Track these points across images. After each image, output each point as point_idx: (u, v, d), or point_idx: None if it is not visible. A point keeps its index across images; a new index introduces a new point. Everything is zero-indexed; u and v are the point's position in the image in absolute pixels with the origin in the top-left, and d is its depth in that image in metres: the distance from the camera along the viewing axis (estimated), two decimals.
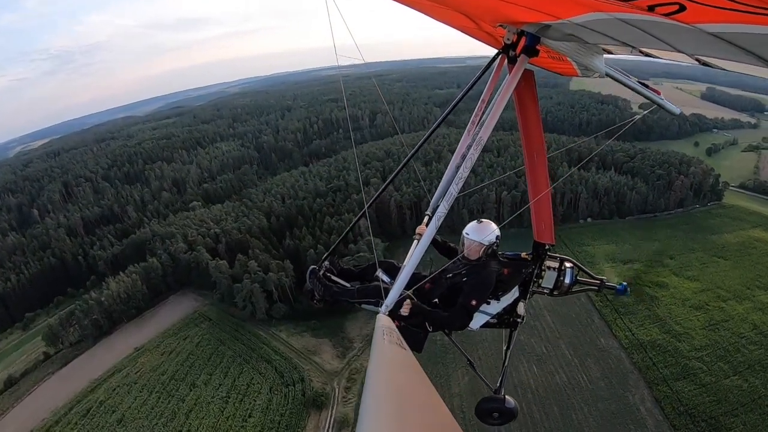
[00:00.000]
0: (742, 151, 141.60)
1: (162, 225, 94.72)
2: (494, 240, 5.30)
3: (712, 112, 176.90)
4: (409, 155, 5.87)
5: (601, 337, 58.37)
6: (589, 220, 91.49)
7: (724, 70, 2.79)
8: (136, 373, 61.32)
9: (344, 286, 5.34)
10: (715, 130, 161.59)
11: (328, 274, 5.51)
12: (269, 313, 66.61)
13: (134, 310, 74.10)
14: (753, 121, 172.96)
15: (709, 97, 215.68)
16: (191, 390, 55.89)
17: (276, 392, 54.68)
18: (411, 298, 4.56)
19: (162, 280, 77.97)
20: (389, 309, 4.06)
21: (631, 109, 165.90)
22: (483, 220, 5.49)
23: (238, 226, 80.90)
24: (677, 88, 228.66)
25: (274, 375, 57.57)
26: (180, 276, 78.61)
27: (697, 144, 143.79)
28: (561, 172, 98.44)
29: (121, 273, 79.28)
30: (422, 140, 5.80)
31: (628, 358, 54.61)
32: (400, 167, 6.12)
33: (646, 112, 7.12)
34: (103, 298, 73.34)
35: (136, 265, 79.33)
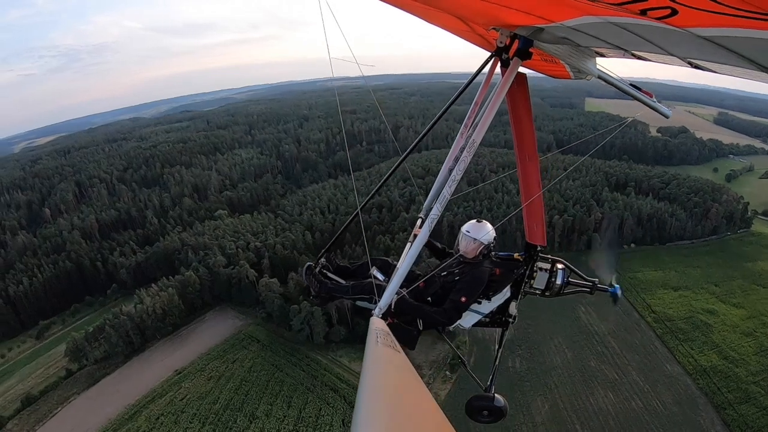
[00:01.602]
0: (760, 178, 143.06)
1: (191, 234, 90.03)
2: (491, 240, 5.39)
3: (727, 137, 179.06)
4: (403, 156, 5.73)
5: (667, 364, 59.59)
6: (633, 245, 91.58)
7: (716, 73, 2.76)
8: (181, 400, 56.45)
9: (339, 282, 5.38)
10: (731, 155, 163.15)
11: (324, 271, 5.54)
12: (328, 337, 62.55)
13: (170, 327, 69.07)
14: (767, 147, 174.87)
15: (722, 122, 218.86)
16: (251, 422, 51.34)
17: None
18: (402, 295, 4.62)
19: (198, 296, 73.13)
20: (382, 312, 3.99)
21: (650, 132, 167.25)
22: (481, 220, 5.54)
23: (281, 241, 76.71)
24: (689, 111, 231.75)
25: (344, 405, 53.31)
26: (218, 291, 73.87)
27: (716, 170, 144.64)
28: (605, 196, 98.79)
29: (153, 285, 74.29)
30: (416, 141, 5.87)
31: (693, 384, 56.03)
32: (393, 169, 5.96)
33: (631, 118, 7.15)
34: (135, 313, 68.23)
35: (170, 278, 74.36)
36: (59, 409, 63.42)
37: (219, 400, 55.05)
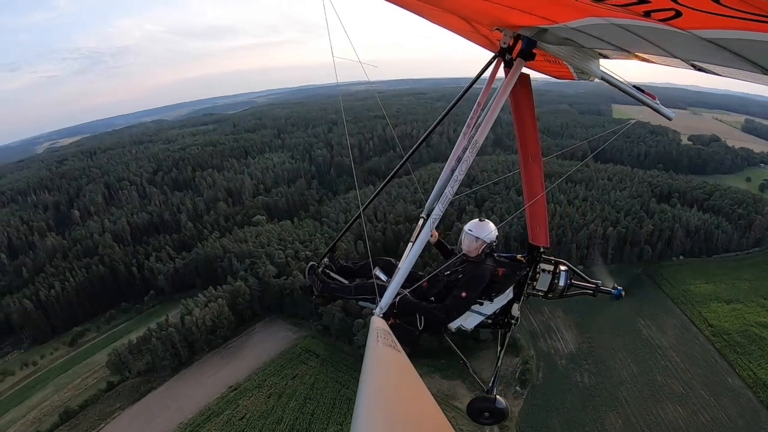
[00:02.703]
0: None
1: (232, 241, 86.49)
2: (494, 239, 5.41)
3: (757, 145, 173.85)
4: (405, 158, 5.64)
5: (728, 377, 59.07)
6: (681, 257, 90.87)
7: (719, 75, 2.70)
8: (240, 420, 52.44)
9: (342, 282, 5.38)
10: (761, 164, 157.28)
11: (327, 271, 5.54)
12: None
13: (220, 339, 65.13)
14: None
15: (749, 129, 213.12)
16: None
17: None
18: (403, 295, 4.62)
19: (248, 306, 69.21)
20: (383, 311, 3.99)
21: (681, 141, 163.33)
22: (484, 219, 5.58)
23: None
24: (716, 118, 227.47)
25: None
26: (269, 302, 69.94)
27: (749, 179, 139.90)
28: (652, 207, 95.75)
29: (200, 294, 70.42)
30: (418, 143, 5.71)
31: (755, 397, 55.63)
32: (395, 170, 5.80)
33: (635, 120, 6.94)
34: (183, 324, 64.35)
35: (219, 287, 70.53)
36: (102, 425, 59.81)
37: (283, 420, 50.97)
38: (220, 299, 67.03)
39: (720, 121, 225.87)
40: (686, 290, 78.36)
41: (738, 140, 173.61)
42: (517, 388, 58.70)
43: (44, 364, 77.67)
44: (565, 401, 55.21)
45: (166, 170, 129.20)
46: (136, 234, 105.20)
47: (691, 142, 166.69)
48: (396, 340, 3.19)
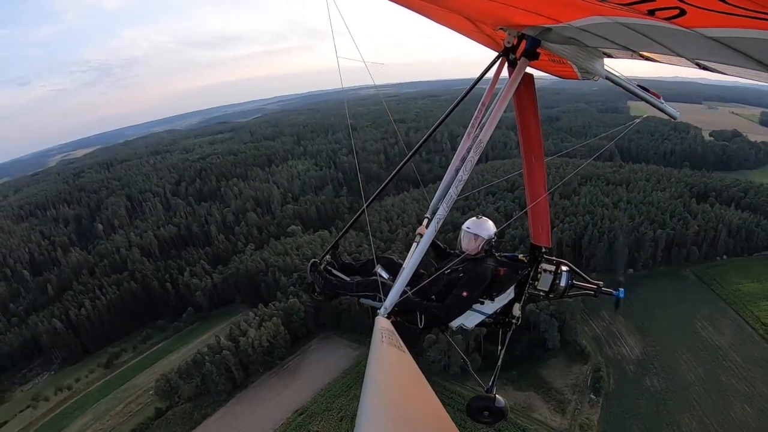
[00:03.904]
0: None
1: (271, 253, 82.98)
2: (493, 235, 5.38)
3: None
4: (408, 156, 5.64)
5: None
6: (725, 257, 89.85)
7: (724, 74, 2.72)
8: None
9: (344, 280, 5.36)
10: None
11: (329, 268, 5.54)
12: (463, 366, 55.89)
13: (277, 360, 61.53)
14: None
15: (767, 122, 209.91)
16: None
17: None
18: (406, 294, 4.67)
19: (302, 324, 65.67)
20: (388, 311, 3.99)
21: (703, 137, 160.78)
22: (481, 216, 5.56)
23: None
24: (733, 112, 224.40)
25: None
26: (324, 319, 66.41)
27: None
28: (693, 207, 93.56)
29: (251, 312, 66.87)
30: (421, 141, 5.67)
31: None
32: (399, 167, 5.81)
33: (641, 119, 6.53)
34: (239, 346, 60.64)
35: (271, 305, 66.93)
36: None
37: None
38: (274, 317, 63.36)
39: (737, 114, 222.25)
40: (736, 290, 77.65)
41: (758, 134, 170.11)
42: (592, 396, 57.43)
43: (80, 388, 73.82)
44: (640, 407, 55.04)
45: (189, 180, 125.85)
46: (164, 248, 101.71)
47: (713, 138, 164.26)
48: (401, 340, 3.13)
